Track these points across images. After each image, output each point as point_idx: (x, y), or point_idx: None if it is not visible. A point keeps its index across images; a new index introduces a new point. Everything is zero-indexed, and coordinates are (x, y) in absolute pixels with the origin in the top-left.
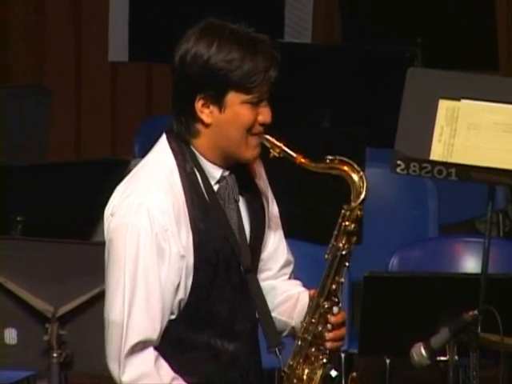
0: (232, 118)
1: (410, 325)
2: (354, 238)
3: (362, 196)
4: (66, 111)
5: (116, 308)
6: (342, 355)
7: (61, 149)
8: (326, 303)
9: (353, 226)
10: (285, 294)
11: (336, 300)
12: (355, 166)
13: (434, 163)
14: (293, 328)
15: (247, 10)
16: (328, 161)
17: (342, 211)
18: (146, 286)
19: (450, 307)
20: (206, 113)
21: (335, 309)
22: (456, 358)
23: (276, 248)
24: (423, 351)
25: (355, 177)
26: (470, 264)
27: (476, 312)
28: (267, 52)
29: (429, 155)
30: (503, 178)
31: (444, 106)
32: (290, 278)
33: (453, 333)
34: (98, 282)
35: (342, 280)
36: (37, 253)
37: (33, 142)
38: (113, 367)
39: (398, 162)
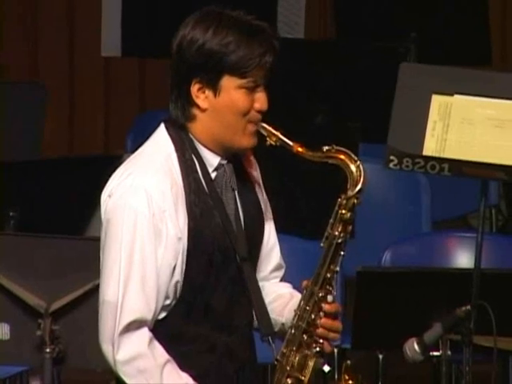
0: (227, 102)
1: (402, 320)
2: (350, 227)
3: (360, 185)
4: (59, 107)
5: (111, 288)
6: (335, 350)
7: (54, 144)
8: (320, 292)
9: (349, 214)
10: (275, 293)
11: (330, 289)
12: (352, 155)
13: (427, 158)
14: (283, 325)
15: (240, 5)
16: (325, 150)
17: (339, 199)
18: (142, 266)
19: (443, 302)
20: (201, 97)
21: (329, 297)
22: (449, 353)
23: (271, 248)
24: (416, 346)
25: (352, 166)
26: (463, 259)
27: (469, 307)
28: (264, 38)
29: (422, 150)
30: (496, 173)
31: (437, 101)
32: (280, 281)
33: (445, 328)
34: (91, 278)
35: (337, 269)
36: (30, 248)
37: (27, 137)
38: (106, 348)
39: (391, 158)
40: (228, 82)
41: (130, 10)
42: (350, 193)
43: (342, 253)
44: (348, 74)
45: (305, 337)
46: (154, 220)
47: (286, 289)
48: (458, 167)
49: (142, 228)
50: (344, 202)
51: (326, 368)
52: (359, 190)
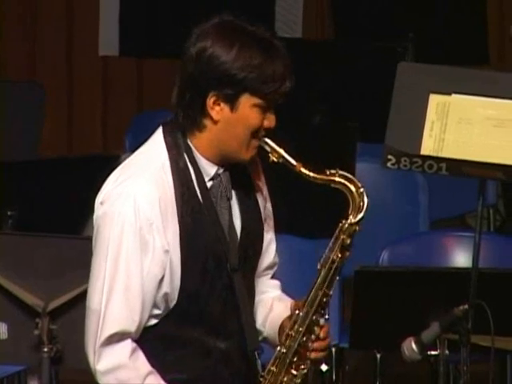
0: (241, 118)
1: (400, 319)
2: (348, 253)
3: (362, 213)
4: (57, 106)
5: (95, 296)
6: (333, 350)
7: (53, 144)
8: (314, 315)
9: (349, 240)
10: (261, 295)
11: (323, 312)
12: (355, 180)
13: (425, 158)
14: (265, 338)
15: (238, 5)
16: (328, 173)
17: (340, 224)
18: (127, 277)
19: (441, 301)
20: (216, 110)
21: (322, 320)
22: (447, 352)
23: (266, 248)
24: (414, 346)
25: (355, 192)
26: (461, 258)
27: (466, 306)
28: (284, 60)
29: (419, 150)
30: (494, 173)
31: (435, 100)
32: (272, 277)
33: (443, 327)
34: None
35: (331, 293)
36: (28, 247)
37: (26, 137)
38: (89, 355)
39: (389, 157)
40: (247, 100)
41: (128, 9)
42: (352, 219)
43: (338, 277)
44: (346, 73)
45: (295, 358)
46: (140, 231)
47: (273, 291)
48: (456, 167)
49: (127, 238)
50: (345, 226)
51: (324, 367)
52: (361, 218)
